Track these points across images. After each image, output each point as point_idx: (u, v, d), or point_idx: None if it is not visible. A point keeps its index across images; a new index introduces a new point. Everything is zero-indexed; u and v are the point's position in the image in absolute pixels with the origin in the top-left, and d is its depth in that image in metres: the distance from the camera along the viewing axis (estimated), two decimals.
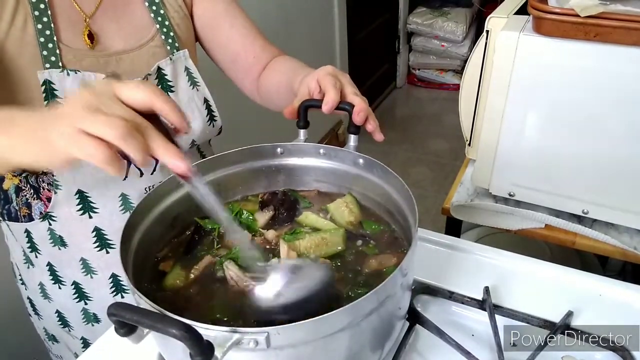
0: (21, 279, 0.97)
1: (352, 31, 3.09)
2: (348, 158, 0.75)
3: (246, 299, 0.62)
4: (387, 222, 0.74)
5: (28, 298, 0.98)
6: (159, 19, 0.86)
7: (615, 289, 0.78)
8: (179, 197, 0.73)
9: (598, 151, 0.98)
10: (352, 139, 0.74)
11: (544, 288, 0.80)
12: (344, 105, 0.70)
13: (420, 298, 0.79)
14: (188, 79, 0.89)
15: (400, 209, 0.69)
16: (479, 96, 1.11)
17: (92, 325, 0.95)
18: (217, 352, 0.45)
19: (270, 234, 0.72)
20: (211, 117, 0.93)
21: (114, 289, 0.91)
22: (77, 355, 0.98)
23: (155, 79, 0.85)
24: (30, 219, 0.85)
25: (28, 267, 0.92)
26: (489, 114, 1.06)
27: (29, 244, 0.88)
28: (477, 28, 3.72)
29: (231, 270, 0.66)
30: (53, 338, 1.01)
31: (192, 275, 0.67)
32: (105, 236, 0.86)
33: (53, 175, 0.80)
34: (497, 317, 0.72)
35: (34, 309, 0.99)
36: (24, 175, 0.82)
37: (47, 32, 0.74)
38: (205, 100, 0.92)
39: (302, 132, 0.76)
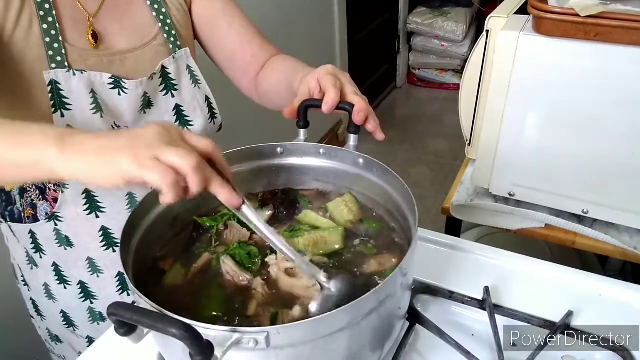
0: (24, 280, 0.97)
1: (352, 31, 3.09)
2: (348, 158, 0.75)
3: (243, 295, 0.63)
4: (387, 221, 0.74)
5: (31, 299, 0.98)
6: (161, 17, 0.86)
7: (615, 289, 0.79)
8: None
9: (598, 151, 0.98)
10: (352, 139, 0.74)
11: (544, 288, 0.80)
12: (344, 105, 0.70)
13: (420, 298, 0.79)
14: (190, 77, 0.89)
15: (400, 208, 0.69)
16: (479, 96, 1.11)
17: (98, 324, 0.95)
18: (217, 352, 0.45)
19: None
20: (212, 115, 0.93)
21: (120, 287, 0.91)
22: None
23: (160, 77, 0.85)
24: (35, 220, 0.85)
25: (32, 268, 0.93)
26: (489, 114, 1.06)
27: (33, 245, 0.88)
28: (477, 28, 3.72)
29: (227, 265, 0.66)
30: (56, 338, 1.01)
31: (191, 273, 0.68)
32: (111, 235, 0.86)
33: None
34: (497, 317, 0.72)
35: (37, 310, 0.99)
36: None
37: (53, 32, 0.74)
38: (207, 98, 0.92)
39: (302, 131, 0.76)
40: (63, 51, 0.75)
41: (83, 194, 0.82)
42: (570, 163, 1.02)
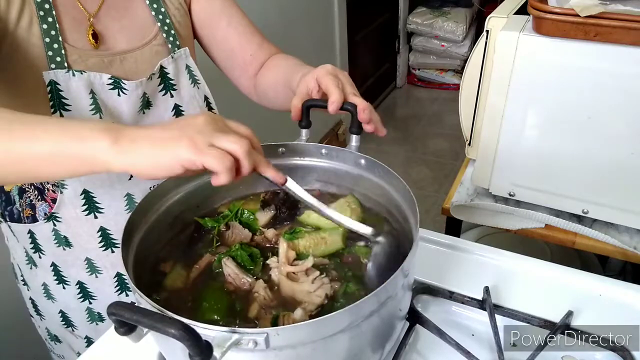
0: (23, 280, 0.97)
1: (352, 31, 3.09)
2: (350, 158, 0.75)
3: (244, 298, 0.63)
4: (390, 222, 0.74)
5: (30, 299, 0.98)
6: (160, 17, 0.86)
7: (615, 289, 0.78)
8: (180, 197, 0.73)
9: (598, 151, 0.98)
10: (354, 139, 0.74)
11: (544, 288, 0.80)
12: (346, 105, 0.70)
13: (420, 298, 0.79)
14: (189, 76, 0.89)
15: (402, 209, 0.69)
16: (479, 96, 1.11)
17: (97, 324, 0.95)
18: (216, 352, 0.45)
19: (270, 232, 0.73)
20: None
21: (118, 287, 0.91)
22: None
23: (158, 77, 0.85)
24: (34, 220, 0.85)
25: (31, 268, 0.92)
26: (489, 114, 1.06)
27: (32, 245, 0.88)
28: (477, 28, 3.72)
29: (229, 267, 0.66)
30: (55, 338, 1.01)
31: (192, 274, 0.68)
32: (110, 236, 0.86)
33: None
34: (497, 317, 0.72)
35: (36, 310, 0.99)
36: None
37: (53, 33, 0.74)
38: (206, 98, 0.92)
39: (304, 131, 0.76)
40: (63, 51, 0.75)
41: (82, 194, 0.82)
42: (570, 163, 1.02)
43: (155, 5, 0.86)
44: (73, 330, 0.96)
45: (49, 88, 0.74)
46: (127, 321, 0.46)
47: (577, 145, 0.99)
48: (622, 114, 0.93)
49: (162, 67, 0.85)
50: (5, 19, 0.71)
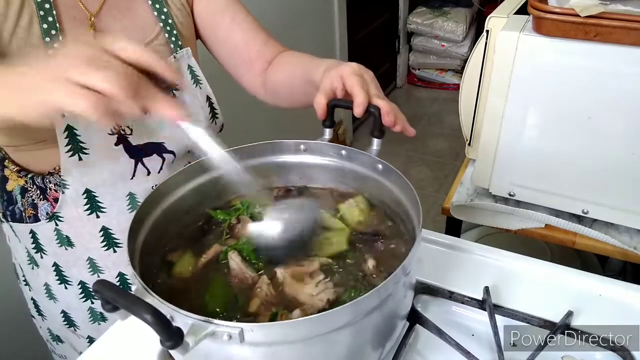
0: (25, 280, 0.97)
1: (352, 31, 3.09)
2: (367, 162, 0.74)
3: (247, 292, 0.63)
4: (398, 225, 0.74)
5: (32, 299, 0.98)
6: (163, 17, 0.86)
7: (615, 289, 0.78)
8: (193, 188, 0.74)
9: (598, 151, 0.98)
10: (375, 143, 0.73)
11: (544, 288, 0.80)
12: (370, 108, 0.69)
13: (420, 298, 0.79)
14: (191, 77, 0.89)
15: (407, 212, 0.69)
16: (479, 96, 1.11)
17: (99, 324, 0.95)
18: (190, 340, 0.46)
19: None
20: (213, 115, 0.93)
21: (120, 287, 0.91)
22: None
23: None
24: (36, 219, 0.85)
25: (32, 268, 0.93)
26: (489, 114, 1.06)
27: (34, 245, 0.88)
28: (477, 28, 3.72)
29: (234, 261, 0.66)
30: (57, 338, 1.01)
31: (199, 265, 0.68)
32: (112, 235, 0.86)
33: (60, 176, 0.80)
34: (497, 317, 0.72)
35: (38, 310, 0.99)
36: (29, 176, 0.83)
37: (53, 32, 0.74)
38: (208, 98, 0.92)
39: (327, 131, 0.76)
40: None
41: (84, 194, 0.82)
42: (570, 163, 1.02)
43: (157, 6, 0.86)
44: (75, 330, 0.96)
45: None
46: (107, 299, 0.47)
47: (577, 145, 0.99)
48: (622, 114, 0.93)
49: None
50: (3, 19, 0.71)
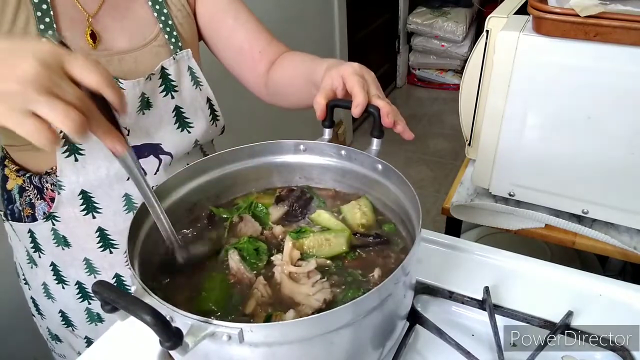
0: (24, 279, 0.97)
1: (352, 31, 3.09)
2: (368, 162, 0.75)
3: (244, 292, 0.63)
4: (397, 226, 0.74)
5: (31, 298, 0.99)
6: (162, 18, 0.86)
7: (615, 289, 0.78)
8: (197, 186, 0.75)
9: (598, 151, 0.98)
10: (375, 143, 0.73)
11: (544, 288, 0.80)
12: (369, 108, 0.69)
13: (420, 298, 0.79)
14: (191, 78, 0.89)
15: (407, 212, 0.69)
16: (479, 96, 1.11)
17: (96, 324, 0.95)
18: (189, 341, 0.46)
19: (278, 229, 0.73)
20: (214, 117, 0.93)
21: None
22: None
23: (159, 78, 0.85)
24: (33, 219, 0.85)
25: (31, 267, 0.93)
26: (489, 114, 1.06)
27: (32, 244, 0.88)
28: (477, 28, 3.73)
29: (233, 260, 0.66)
30: (56, 338, 1.01)
31: (198, 263, 0.68)
32: (108, 236, 0.86)
33: (57, 176, 0.80)
34: (497, 317, 0.72)
35: (37, 309, 0.99)
36: (27, 175, 0.82)
37: (50, 33, 0.74)
38: (208, 100, 0.92)
39: (327, 131, 0.76)
40: None
41: (80, 194, 0.82)
42: (570, 163, 1.02)
43: (157, 7, 0.86)
44: (73, 330, 0.96)
45: None
46: (106, 300, 0.47)
47: (577, 145, 0.99)
48: (622, 114, 0.93)
49: (163, 68, 0.85)
50: (0, 18, 0.71)
